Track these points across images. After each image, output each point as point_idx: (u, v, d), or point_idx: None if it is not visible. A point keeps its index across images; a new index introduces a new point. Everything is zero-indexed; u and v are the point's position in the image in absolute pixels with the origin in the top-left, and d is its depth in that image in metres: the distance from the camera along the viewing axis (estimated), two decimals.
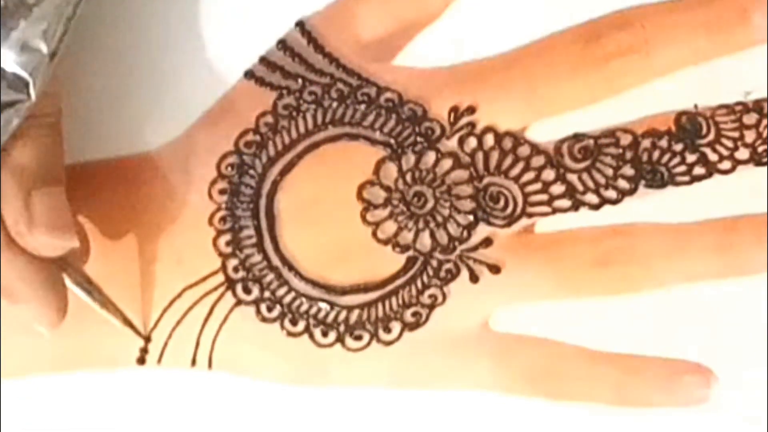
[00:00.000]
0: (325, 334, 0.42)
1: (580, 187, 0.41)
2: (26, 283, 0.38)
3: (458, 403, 0.43)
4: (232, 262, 0.42)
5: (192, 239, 0.42)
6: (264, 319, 0.42)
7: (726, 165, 0.41)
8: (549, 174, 0.41)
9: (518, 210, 0.41)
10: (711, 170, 0.41)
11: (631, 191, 0.41)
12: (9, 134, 0.37)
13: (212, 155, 0.42)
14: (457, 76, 0.42)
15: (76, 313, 0.41)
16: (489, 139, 0.41)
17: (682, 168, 0.41)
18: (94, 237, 0.41)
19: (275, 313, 0.42)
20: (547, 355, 0.42)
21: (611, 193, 0.41)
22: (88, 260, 0.40)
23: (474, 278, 0.41)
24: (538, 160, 0.41)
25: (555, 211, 0.41)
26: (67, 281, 0.39)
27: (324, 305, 0.42)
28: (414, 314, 0.42)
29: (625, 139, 0.41)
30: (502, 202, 0.41)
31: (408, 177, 0.41)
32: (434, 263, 0.42)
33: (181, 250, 0.42)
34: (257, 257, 0.42)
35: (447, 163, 0.41)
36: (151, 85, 0.43)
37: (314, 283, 0.42)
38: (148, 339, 0.42)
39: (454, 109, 0.41)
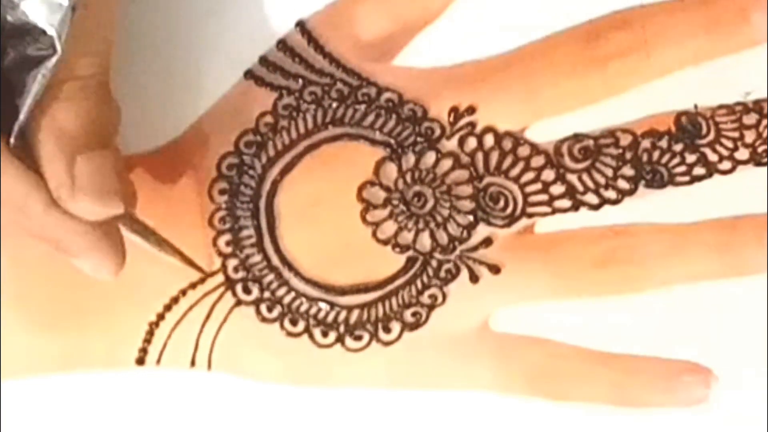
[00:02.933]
0: (325, 334, 0.42)
1: (580, 188, 0.41)
2: (82, 239, 0.37)
3: (458, 403, 0.43)
4: (232, 263, 0.42)
5: (192, 239, 0.42)
6: (264, 320, 0.42)
7: (726, 165, 0.41)
8: (549, 174, 0.41)
9: (518, 210, 0.41)
10: (711, 170, 0.41)
11: (631, 191, 0.41)
12: (39, 91, 0.36)
13: (212, 155, 0.42)
14: (457, 77, 0.42)
15: (77, 314, 0.41)
16: (489, 140, 0.41)
17: (682, 168, 0.41)
18: None
19: (275, 313, 0.42)
20: (546, 356, 0.42)
21: (611, 194, 0.41)
22: (135, 206, 0.39)
23: (474, 278, 0.42)
24: (537, 161, 0.42)
25: (555, 211, 0.42)
26: (122, 230, 0.39)
27: (324, 305, 0.42)
28: (414, 314, 0.42)
29: (625, 140, 0.41)
30: (502, 203, 0.41)
31: (408, 177, 0.41)
32: (434, 263, 0.42)
33: (181, 251, 0.42)
34: (257, 257, 0.42)
35: (447, 164, 0.41)
36: (151, 85, 0.43)
37: (314, 283, 0.42)
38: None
39: (454, 110, 0.41)
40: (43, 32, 0.36)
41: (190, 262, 0.41)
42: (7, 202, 0.36)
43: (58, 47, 0.36)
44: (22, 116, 0.36)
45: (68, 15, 0.36)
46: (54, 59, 0.36)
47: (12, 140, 0.36)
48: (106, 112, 0.38)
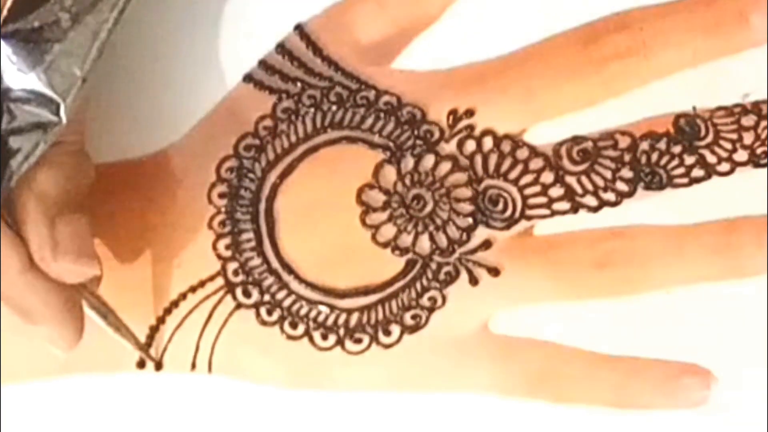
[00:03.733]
0: (324, 337, 0.42)
1: (579, 190, 0.41)
2: (47, 306, 0.38)
3: (458, 405, 0.43)
4: (232, 266, 0.42)
5: (191, 243, 0.42)
6: (264, 323, 0.42)
7: (724, 167, 0.41)
8: (548, 176, 0.41)
9: (517, 213, 0.41)
10: (710, 172, 0.41)
11: (630, 193, 0.41)
12: (38, 156, 0.37)
13: (212, 159, 0.42)
14: (455, 79, 0.42)
15: None
16: (488, 142, 0.41)
17: (681, 170, 0.41)
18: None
19: (275, 316, 0.42)
20: (546, 358, 0.42)
21: (610, 196, 0.41)
22: (100, 285, 0.40)
23: (473, 281, 0.42)
24: (536, 163, 0.42)
25: (554, 213, 0.42)
26: (84, 306, 0.39)
27: (324, 308, 0.42)
28: (413, 317, 0.42)
29: (624, 142, 0.41)
30: (501, 205, 0.41)
31: (407, 180, 0.41)
32: (433, 266, 0.42)
33: (181, 254, 0.42)
34: (257, 260, 0.42)
35: (446, 166, 0.41)
36: (150, 89, 0.43)
37: (314, 286, 0.42)
38: (160, 365, 0.42)
39: (453, 112, 0.41)
40: (51, 100, 0.36)
41: (141, 347, 0.42)
42: None
43: (63, 116, 0.36)
44: (14, 180, 0.37)
45: (78, 86, 0.36)
46: (58, 127, 0.37)
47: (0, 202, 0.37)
48: (82, 177, 0.39)
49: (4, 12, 0.36)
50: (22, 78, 0.36)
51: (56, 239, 0.37)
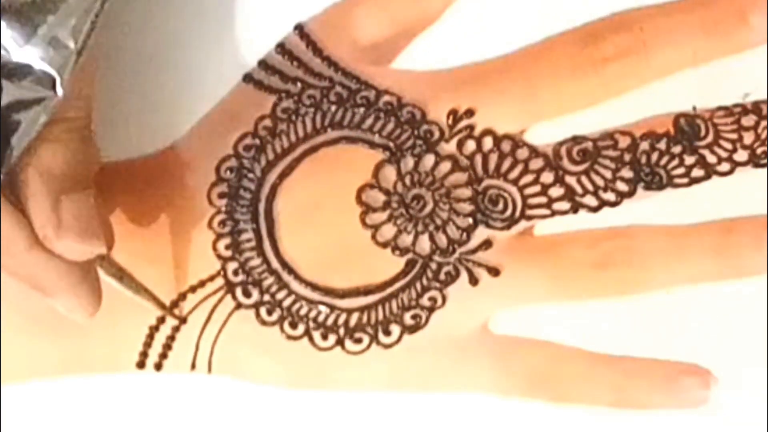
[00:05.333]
0: (324, 337, 0.42)
1: (579, 190, 0.41)
2: (60, 279, 0.37)
3: (458, 405, 0.43)
4: (232, 266, 0.42)
5: (191, 243, 0.42)
6: (264, 323, 0.42)
7: (724, 167, 0.41)
8: (548, 176, 0.41)
9: (517, 212, 0.41)
10: (709, 172, 0.41)
11: (630, 193, 0.41)
12: (37, 132, 0.36)
13: (211, 159, 0.42)
14: (455, 79, 0.42)
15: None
16: (488, 142, 0.41)
17: (681, 170, 0.41)
18: None
19: (275, 316, 0.42)
20: (546, 358, 0.42)
21: (610, 196, 0.41)
22: (113, 247, 0.39)
23: (473, 281, 0.42)
24: (536, 163, 0.42)
25: (554, 213, 0.42)
26: (100, 272, 0.39)
27: (324, 308, 0.42)
28: (413, 317, 0.42)
29: (624, 142, 0.41)
30: (501, 205, 0.41)
31: (407, 180, 0.41)
32: (433, 266, 0.42)
33: (181, 254, 0.42)
34: (257, 260, 0.42)
35: (446, 166, 0.41)
36: (149, 89, 0.43)
37: (314, 286, 0.42)
38: (184, 320, 0.42)
39: (453, 112, 0.41)
40: (46, 74, 0.36)
41: (163, 306, 0.41)
42: None
43: (60, 90, 0.36)
44: (15, 155, 0.36)
45: (73, 58, 0.36)
46: (55, 101, 0.36)
47: (2, 177, 0.36)
48: (88, 154, 0.38)
49: None
50: (17, 52, 0.36)
51: (60, 217, 0.37)
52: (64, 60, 0.36)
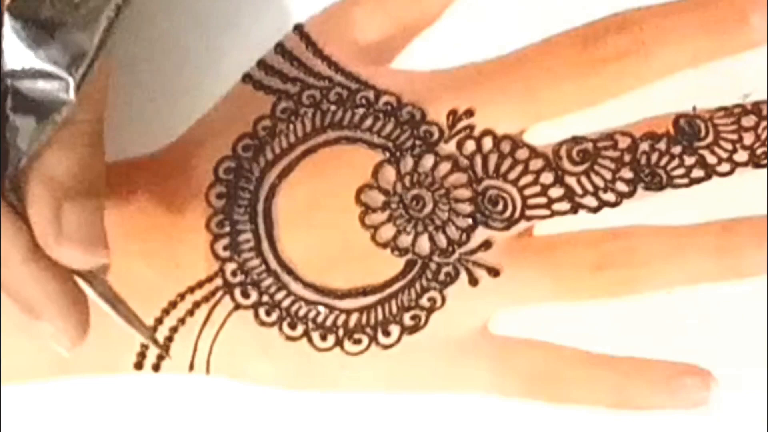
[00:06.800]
0: (323, 337, 0.42)
1: (579, 190, 0.41)
2: (50, 299, 0.37)
3: (457, 406, 0.43)
4: (230, 267, 0.42)
5: (190, 243, 0.42)
6: (262, 323, 0.42)
7: (724, 167, 0.41)
8: (547, 177, 0.41)
9: (517, 213, 0.41)
10: (709, 172, 0.41)
11: (630, 194, 0.41)
12: (48, 136, 0.36)
13: (210, 159, 0.42)
14: (455, 79, 0.42)
15: None
16: (487, 142, 0.41)
17: (681, 170, 0.41)
18: None
19: (274, 317, 0.42)
20: (546, 358, 0.42)
21: (610, 196, 0.41)
22: (108, 272, 0.39)
23: (473, 281, 0.41)
24: (536, 163, 0.41)
25: (554, 214, 0.41)
26: (91, 293, 0.38)
27: (323, 309, 0.42)
28: (413, 318, 0.42)
29: (624, 142, 0.41)
30: (500, 206, 0.41)
31: (406, 180, 0.41)
32: (433, 266, 0.42)
33: (179, 255, 0.42)
34: (255, 261, 0.42)
35: (445, 167, 0.41)
36: (149, 88, 0.43)
37: (313, 287, 0.42)
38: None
39: (453, 113, 0.41)
40: (59, 78, 0.36)
41: (155, 340, 0.41)
42: None
43: (72, 95, 0.36)
44: (23, 160, 0.36)
45: (87, 63, 0.36)
46: (67, 106, 0.36)
47: (6, 182, 0.36)
48: (96, 161, 0.37)
49: None
50: (30, 55, 0.36)
51: (61, 224, 0.36)
52: (78, 64, 0.36)
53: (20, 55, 0.36)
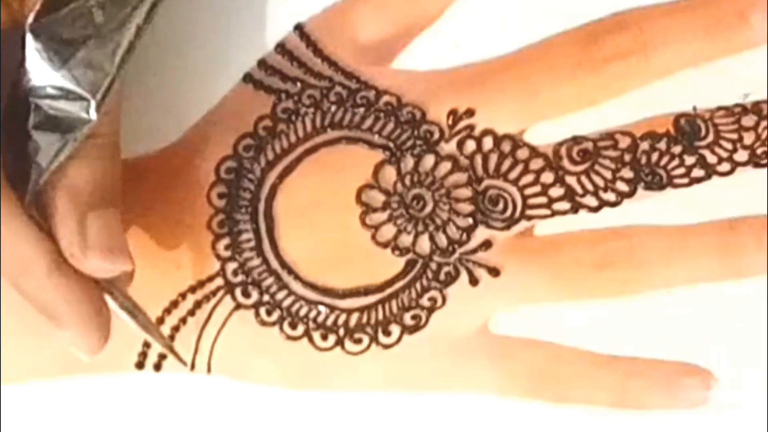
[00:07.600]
0: (324, 337, 0.42)
1: (579, 190, 0.41)
2: (74, 310, 0.37)
3: (458, 405, 0.43)
4: (231, 266, 0.42)
5: (191, 243, 0.42)
6: (263, 323, 0.42)
7: (725, 167, 0.41)
8: (548, 177, 0.41)
9: (517, 213, 0.41)
10: (710, 172, 0.41)
11: (630, 193, 0.41)
12: (68, 153, 0.37)
13: (211, 159, 0.42)
14: (455, 79, 0.42)
15: None
16: (488, 142, 0.41)
17: (681, 170, 0.41)
18: None
19: (274, 316, 0.42)
20: (546, 358, 0.42)
21: (610, 196, 0.41)
22: (131, 281, 0.40)
23: (473, 281, 0.42)
24: (536, 163, 0.41)
25: (554, 213, 0.42)
26: (112, 303, 0.39)
27: (323, 308, 0.42)
28: (413, 317, 0.42)
29: (624, 142, 0.41)
30: (501, 205, 0.41)
31: (407, 180, 0.41)
32: (433, 266, 0.42)
33: (180, 254, 0.42)
34: (256, 261, 0.42)
35: (446, 166, 0.41)
36: (150, 88, 0.43)
37: (313, 287, 0.42)
38: (192, 366, 0.42)
39: (453, 112, 0.41)
40: (81, 97, 0.36)
41: (172, 350, 0.41)
42: (12, 261, 0.37)
43: (93, 113, 0.36)
44: (44, 177, 0.37)
45: (108, 82, 0.36)
46: (88, 125, 0.36)
47: (28, 197, 0.37)
48: (114, 171, 0.38)
49: (36, 7, 0.36)
50: (53, 75, 0.36)
51: (86, 234, 0.37)
52: (100, 83, 0.36)
53: (43, 74, 0.36)
